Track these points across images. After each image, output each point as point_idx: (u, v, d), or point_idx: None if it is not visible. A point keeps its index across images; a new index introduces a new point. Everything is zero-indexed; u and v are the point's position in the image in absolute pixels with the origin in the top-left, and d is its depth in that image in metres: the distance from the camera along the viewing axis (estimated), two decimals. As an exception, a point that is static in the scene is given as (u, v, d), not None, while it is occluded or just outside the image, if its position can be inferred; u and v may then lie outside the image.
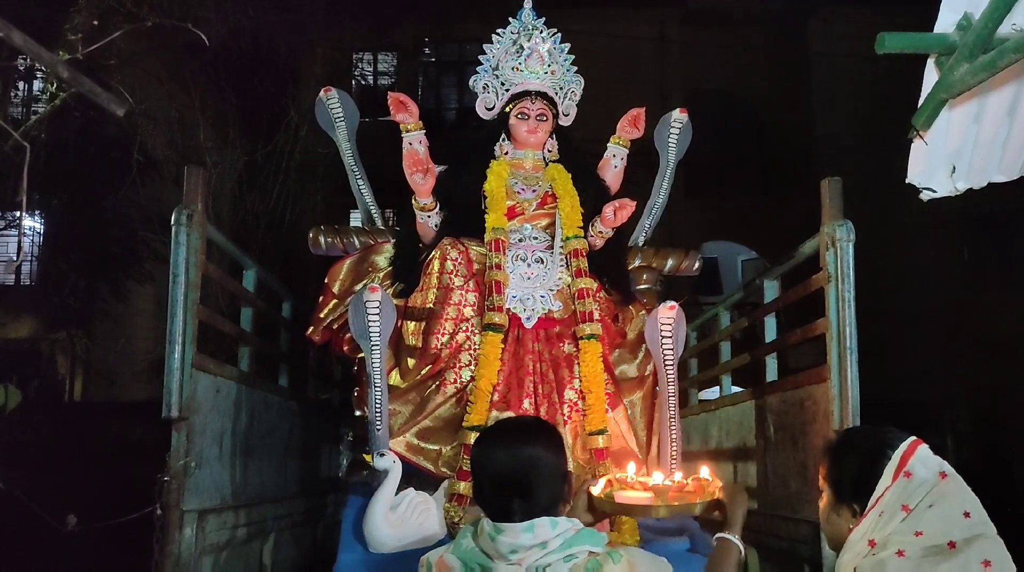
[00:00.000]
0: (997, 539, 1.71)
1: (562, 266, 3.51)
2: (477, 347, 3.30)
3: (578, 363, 3.31)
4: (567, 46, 3.80)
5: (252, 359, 4.22)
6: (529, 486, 1.89)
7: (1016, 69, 2.41)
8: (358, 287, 3.53)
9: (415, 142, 3.53)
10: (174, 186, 8.24)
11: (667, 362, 3.28)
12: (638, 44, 15.20)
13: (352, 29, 11.20)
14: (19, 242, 14.10)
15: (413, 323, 3.44)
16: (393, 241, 3.79)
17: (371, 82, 14.78)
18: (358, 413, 3.60)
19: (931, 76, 2.53)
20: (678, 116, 4.07)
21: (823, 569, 2.98)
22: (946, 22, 2.45)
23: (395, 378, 3.37)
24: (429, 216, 3.58)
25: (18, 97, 10.90)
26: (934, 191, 2.77)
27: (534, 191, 3.65)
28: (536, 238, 3.60)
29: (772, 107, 16.07)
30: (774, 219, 13.63)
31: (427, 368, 3.36)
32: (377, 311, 3.16)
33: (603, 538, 1.92)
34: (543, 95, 3.68)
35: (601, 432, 3.22)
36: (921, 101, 2.56)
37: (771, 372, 4.05)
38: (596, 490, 2.30)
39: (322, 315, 3.68)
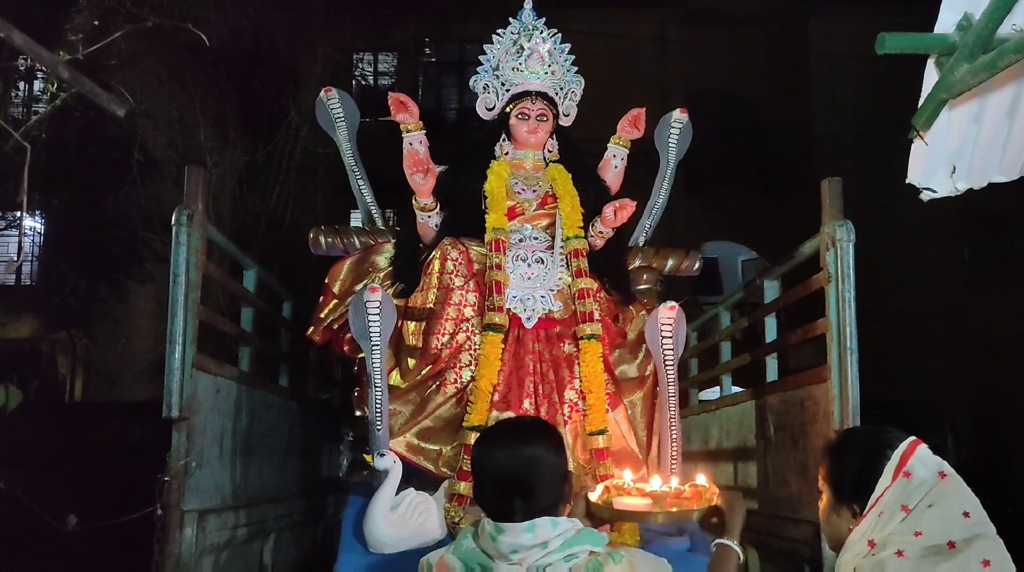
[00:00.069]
0: (996, 539, 1.71)
1: (562, 266, 3.51)
2: (477, 347, 3.30)
3: (578, 363, 3.31)
4: (567, 46, 3.80)
5: (252, 359, 4.23)
6: (530, 486, 1.89)
7: (1016, 69, 2.41)
8: (358, 287, 3.53)
9: (415, 142, 3.53)
10: (174, 186, 8.24)
11: (667, 362, 3.28)
12: (638, 44, 15.20)
13: (352, 29, 11.19)
14: (20, 242, 14.11)
15: (413, 323, 3.44)
16: (393, 241, 3.79)
17: (371, 82, 14.77)
18: (358, 413, 3.60)
19: (931, 76, 2.52)
20: (678, 116, 4.07)
21: (823, 569, 2.98)
22: (946, 22, 2.44)
23: (395, 378, 3.37)
24: (429, 216, 3.59)
25: (19, 97, 10.91)
26: (934, 191, 2.77)
27: (534, 191, 3.65)
28: (536, 238, 3.60)
29: (772, 107, 16.08)
30: (774, 219, 13.64)
31: (427, 368, 3.36)
32: (377, 311, 3.16)
33: (603, 538, 1.93)
34: (543, 95, 3.68)
35: (601, 432, 3.22)
36: (921, 101, 2.56)
37: (771, 372, 4.05)
38: (594, 496, 2.30)
39: (322, 315, 3.68)
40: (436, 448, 3.28)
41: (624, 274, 3.78)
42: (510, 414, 3.15)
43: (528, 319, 3.39)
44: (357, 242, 3.97)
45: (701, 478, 2.61)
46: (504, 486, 1.90)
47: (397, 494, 3.02)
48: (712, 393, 5.30)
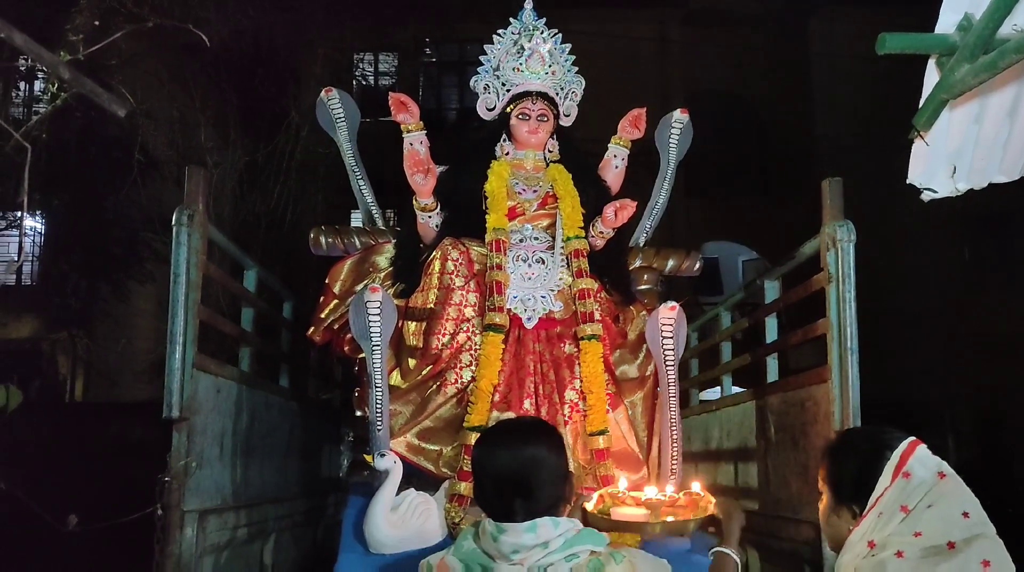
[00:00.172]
0: (996, 539, 1.71)
1: (563, 266, 3.51)
2: (478, 347, 3.30)
3: (579, 363, 3.31)
4: (568, 46, 3.80)
5: (253, 359, 4.23)
6: (530, 486, 1.90)
7: (1017, 70, 2.41)
8: (359, 287, 3.53)
9: (416, 142, 3.53)
10: (175, 186, 8.23)
11: (668, 363, 3.28)
12: (639, 44, 15.21)
13: (353, 29, 11.21)
14: (20, 242, 14.11)
15: (414, 323, 3.44)
16: (394, 241, 3.78)
17: (372, 82, 14.77)
18: (359, 413, 3.60)
19: (932, 77, 2.52)
20: (679, 117, 4.07)
21: (824, 570, 2.98)
22: (947, 23, 2.44)
23: (396, 378, 3.37)
24: (430, 216, 3.59)
25: (19, 98, 10.92)
26: (935, 191, 2.77)
27: (535, 191, 3.65)
28: (537, 238, 3.60)
29: (773, 107, 16.09)
30: (775, 219, 13.64)
31: (428, 368, 3.36)
32: (378, 311, 3.16)
33: (604, 538, 1.93)
34: (544, 95, 3.68)
35: (602, 433, 3.22)
36: (922, 102, 2.56)
37: (772, 372, 4.05)
38: (590, 506, 2.31)
39: (323, 315, 3.68)
40: (436, 448, 3.28)
41: (625, 274, 3.78)
42: (511, 414, 3.15)
43: (529, 319, 3.39)
44: (357, 242, 3.97)
45: (696, 486, 2.61)
46: (505, 486, 1.90)
47: (397, 494, 3.02)
48: (713, 393, 5.30)
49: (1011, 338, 11.86)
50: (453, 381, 3.32)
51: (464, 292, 3.41)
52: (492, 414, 3.19)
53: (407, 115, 3.56)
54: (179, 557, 3.02)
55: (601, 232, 3.56)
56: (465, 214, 3.57)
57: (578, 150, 3.85)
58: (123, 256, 12.40)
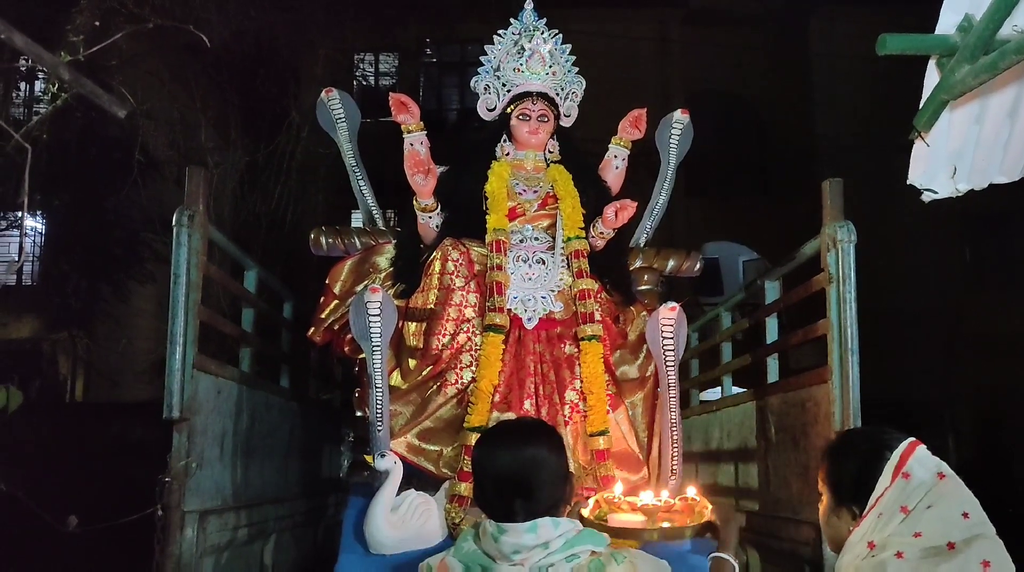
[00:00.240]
0: (996, 539, 1.71)
1: (563, 267, 3.51)
2: (478, 348, 3.30)
3: (579, 364, 3.31)
4: (568, 47, 3.80)
5: (253, 360, 4.23)
6: (531, 486, 1.90)
7: (1017, 71, 2.41)
8: (359, 288, 3.53)
9: (416, 143, 3.53)
10: (175, 187, 8.23)
11: (668, 363, 3.28)
12: (639, 44, 15.22)
13: (353, 30, 11.20)
14: (21, 243, 14.12)
15: (414, 324, 3.44)
16: (394, 242, 3.78)
17: (372, 83, 14.79)
18: (359, 414, 3.60)
19: (932, 77, 2.53)
20: (679, 117, 4.06)
21: (824, 570, 2.98)
22: (947, 23, 2.45)
23: (396, 379, 3.37)
24: (430, 217, 3.59)
25: (20, 98, 10.92)
26: (935, 192, 2.77)
27: (535, 192, 3.65)
28: (537, 239, 3.60)
29: (773, 107, 16.09)
30: (775, 219, 13.64)
31: (428, 369, 3.36)
32: (378, 312, 3.16)
33: (604, 539, 1.93)
34: (544, 96, 3.68)
35: (602, 433, 3.22)
36: (922, 102, 2.56)
37: (772, 373, 4.05)
38: (586, 512, 2.31)
39: (323, 316, 3.68)
40: (437, 449, 3.28)
41: (625, 275, 3.78)
42: (511, 415, 3.15)
43: (529, 320, 3.39)
44: (358, 243, 3.97)
45: (692, 491, 2.61)
46: (505, 487, 1.91)
47: (398, 495, 3.02)
48: (713, 394, 5.30)
49: (1011, 338, 11.86)
50: (453, 382, 3.32)
51: (464, 292, 3.41)
52: (492, 415, 3.20)
53: (407, 115, 3.56)
54: (179, 557, 3.02)
55: (601, 233, 3.56)
56: (465, 214, 3.57)
57: (578, 150, 3.85)
58: (123, 256, 12.41)
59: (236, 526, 3.52)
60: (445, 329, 3.36)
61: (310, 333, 3.75)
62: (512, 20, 3.82)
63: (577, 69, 3.84)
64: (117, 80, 8.06)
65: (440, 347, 3.35)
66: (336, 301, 3.67)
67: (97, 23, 7.45)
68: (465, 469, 3.09)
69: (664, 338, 3.27)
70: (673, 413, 3.27)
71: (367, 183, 4.12)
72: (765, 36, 15.67)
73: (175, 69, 9.90)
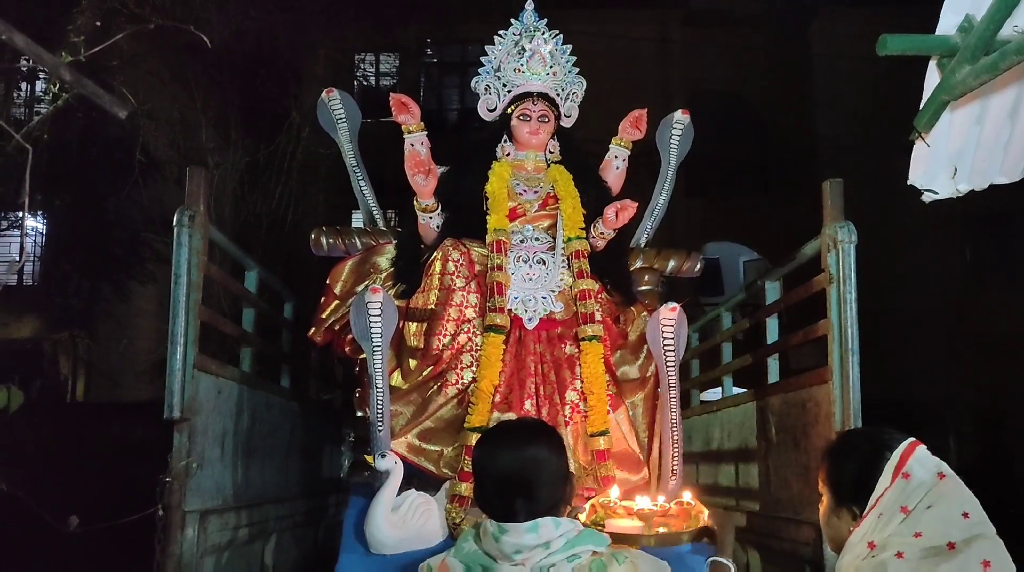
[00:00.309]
0: (996, 539, 1.71)
1: (564, 267, 3.51)
2: (479, 348, 3.30)
3: (580, 364, 3.31)
4: (569, 47, 3.80)
5: (254, 360, 4.23)
6: (532, 486, 1.90)
7: (1018, 71, 2.41)
8: (360, 288, 3.53)
9: (417, 143, 3.53)
10: (176, 187, 8.25)
11: (669, 363, 3.28)
12: (640, 45, 15.23)
13: (354, 30, 11.22)
14: (22, 243, 14.13)
15: (415, 324, 3.44)
16: (395, 242, 3.78)
17: (373, 83, 14.80)
18: (359, 414, 3.60)
19: (933, 78, 2.53)
20: (680, 117, 4.06)
21: (825, 571, 2.98)
22: (948, 24, 2.45)
23: (397, 379, 3.37)
24: (431, 217, 3.59)
25: (21, 98, 10.93)
26: (936, 193, 2.77)
27: (536, 192, 3.65)
28: (538, 239, 3.60)
29: (774, 108, 16.10)
30: (775, 220, 13.65)
31: (428, 369, 3.36)
32: (379, 312, 3.16)
33: (605, 539, 1.94)
34: (545, 96, 3.68)
35: (603, 433, 3.22)
36: (923, 103, 2.56)
37: (773, 373, 4.05)
38: (582, 517, 2.31)
39: (324, 316, 3.68)
40: (437, 449, 3.28)
41: (625, 275, 3.78)
42: (511, 415, 3.15)
43: (529, 320, 3.39)
44: (358, 243, 3.97)
45: (687, 495, 2.62)
46: (506, 486, 1.91)
47: (398, 495, 3.02)
48: (714, 394, 5.30)
49: (1011, 338, 11.87)
50: (454, 382, 3.32)
51: (465, 293, 3.41)
52: (493, 415, 3.19)
53: (408, 116, 3.56)
54: (180, 557, 3.02)
55: (602, 233, 3.56)
56: (466, 215, 3.57)
57: (579, 151, 3.84)
58: (124, 256, 12.42)
59: (237, 526, 3.52)
60: (446, 329, 3.36)
61: (311, 333, 3.75)
62: (513, 20, 3.81)
63: (578, 70, 3.84)
64: (118, 80, 8.06)
65: (441, 347, 3.35)
66: (337, 301, 3.67)
67: (98, 23, 7.46)
68: (466, 469, 3.09)
69: (665, 338, 3.27)
70: (674, 413, 3.27)
71: (368, 183, 4.12)
72: (765, 36, 15.68)
73: (176, 69, 9.91)
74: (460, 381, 3.31)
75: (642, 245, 4.07)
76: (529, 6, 3.80)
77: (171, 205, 3.51)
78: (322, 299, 3.71)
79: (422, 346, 3.38)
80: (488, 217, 3.50)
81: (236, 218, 9.92)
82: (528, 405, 3.26)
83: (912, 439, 1.81)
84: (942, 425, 11.87)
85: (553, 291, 3.46)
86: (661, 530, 2.58)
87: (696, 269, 4.11)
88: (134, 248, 12.25)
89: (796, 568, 3.36)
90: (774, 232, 13.07)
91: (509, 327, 3.33)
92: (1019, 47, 2.19)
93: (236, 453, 3.59)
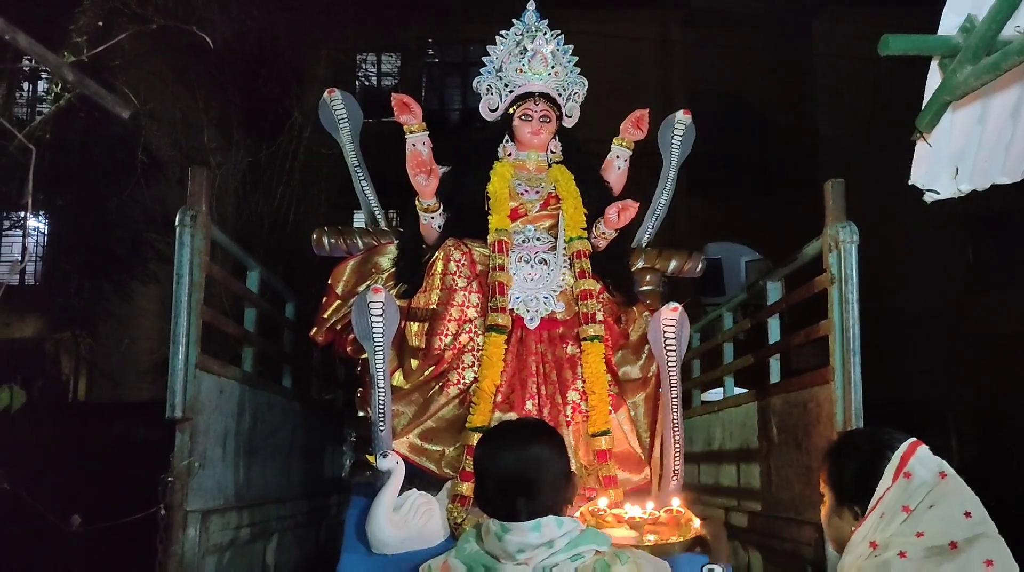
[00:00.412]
0: (998, 538, 1.71)
1: (565, 267, 3.51)
2: (480, 348, 3.30)
3: (581, 364, 3.32)
4: (570, 47, 3.80)
5: (255, 360, 4.23)
6: (533, 485, 1.90)
7: (1019, 71, 2.41)
8: (361, 288, 3.53)
9: (418, 143, 3.53)
10: (178, 187, 8.24)
11: (670, 363, 3.28)
12: (641, 45, 15.22)
13: (356, 30, 11.23)
14: (24, 243, 14.13)
15: (416, 324, 3.44)
16: (396, 242, 3.79)
17: (375, 83, 14.80)
18: (361, 414, 3.60)
19: (934, 78, 2.52)
20: (681, 117, 4.06)
21: (827, 571, 2.98)
22: (949, 24, 2.45)
23: (398, 379, 3.38)
24: (432, 217, 3.59)
25: (23, 98, 10.95)
26: (937, 193, 2.76)
27: (537, 192, 3.66)
28: (539, 239, 3.60)
29: (775, 108, 16.09)
30: (777, 220, 13.64)
31: (430, 369, 3.36)
32: (380, 312, 3.16)
33: (608, 538, 1.94)
34: (546, 96, 3.68)
35: (604, 433, 3.23)
36: (924, 103, 2.56)
37: (774, 373, 4.06)
38: None
39: (325, 316, 3.68)
40: (439, 449, 3.28)
41: (627, 275, 3.78)
42: (513, 415, 3.15)
43: (531, 320, 3.39)
44: (360, 243, 3.97)
45: (676, 502, 2.62)
46: (508, 486, 1.91)
47: (400, 495, 3.02)
48: (715, 394, 5.30)
49: (1012, 338, 11.86)
50: (455, 382, 3.32)
51: (467, 293, 3.41)
52: (494, 415, 3.20)
53: (410, 116, 3.56)
54: (182, 557, 3.02)
55: (603, 233, 3.56)
56: (468, 215, 3.57)
57: (580, 151, 3.85)
58: (126, 256, 12.43)
59: (238, 526, 3.53)
60: (447, 329, 3.37)
61: (312, 333, 3.76)
62: (514, 21, 3.81)
63: (579, 70, 3.84)
64: (120, 80, 8.08)
65: (442, 347, 3.35)
66: (338, 301, 3.67)
67: (100, 24, 7.47)
68: (467, 469, 3.10)
69: (666, 338, 3.27)
70: (675, 413, 3.27)
71: (369, 183, 4.12)
72: (766, 37, 15.67)
73: (178, 69, 9.92)
74: (462, 381, 3.32)
75: (643, 245, 4.07)
76: (531, 6, 3.80)
77: (173, 205, 3.52)
78: (324, 299, 3.72)
79: (424, 346, 3.39)
80: (490, 217, 3.51)
81: (238, 218, 9.93)
82: (530, 405, 3.26)
83: (913, 439, 1.81)
84: (943, 425, 11.86)
85: (555, 291, 3.46)
86: (651, 538, 2.58)
87: (697, 269, 4.11)
88: (136, 248, 12.26)
89: (798, 568, 3.37)
90: (775, 232, 13.07)
91: (511, 327, 3.33)
92: (1021, 47, 2.19)
93: (238, 453, 3.60)
